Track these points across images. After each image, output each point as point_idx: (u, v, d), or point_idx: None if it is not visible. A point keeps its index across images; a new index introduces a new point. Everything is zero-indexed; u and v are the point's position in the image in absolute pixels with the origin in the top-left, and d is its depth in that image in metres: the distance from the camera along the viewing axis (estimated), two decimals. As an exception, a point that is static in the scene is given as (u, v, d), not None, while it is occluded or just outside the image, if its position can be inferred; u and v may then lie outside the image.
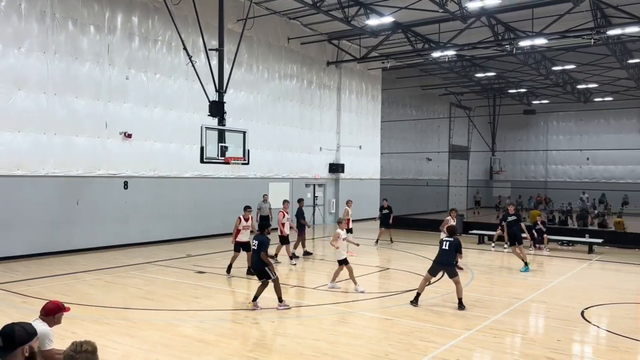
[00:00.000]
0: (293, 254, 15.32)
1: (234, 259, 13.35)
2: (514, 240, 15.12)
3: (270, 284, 10.01)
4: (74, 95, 16.28)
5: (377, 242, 20.04)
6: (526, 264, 14.61)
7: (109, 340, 7.94)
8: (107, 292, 11.28)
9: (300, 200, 17.27)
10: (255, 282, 12.54)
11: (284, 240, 15.08)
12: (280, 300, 10.02)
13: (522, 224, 15.80)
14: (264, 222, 19.71)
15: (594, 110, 41.37)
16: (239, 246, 13.30)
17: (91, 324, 8.82)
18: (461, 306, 10.14)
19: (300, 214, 16.64)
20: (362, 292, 11.51)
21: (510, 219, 15.53)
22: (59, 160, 15.98)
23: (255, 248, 10.12)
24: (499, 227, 17.78)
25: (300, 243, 16.61)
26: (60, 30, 15.90)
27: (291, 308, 10.05)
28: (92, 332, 8.23)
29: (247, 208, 13.79)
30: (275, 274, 10.05)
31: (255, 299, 10.00)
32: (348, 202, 18.34)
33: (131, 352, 7.56)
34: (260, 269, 10.03)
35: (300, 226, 16.55)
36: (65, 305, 5.38)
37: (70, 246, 16.20)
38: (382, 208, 20.60)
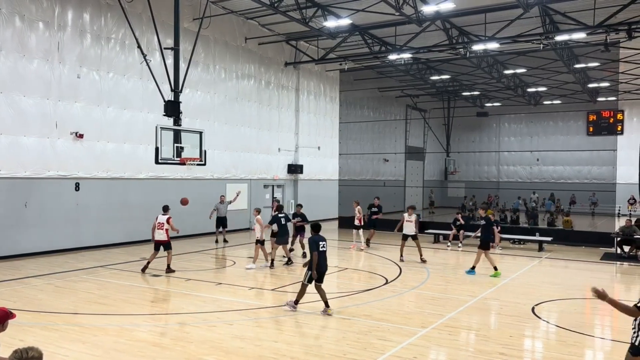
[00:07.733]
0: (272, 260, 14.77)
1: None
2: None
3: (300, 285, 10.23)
4: (22, 94, 15.67)
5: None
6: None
7: (59, 347, 7.68)
8: (58, 297, 10.90)
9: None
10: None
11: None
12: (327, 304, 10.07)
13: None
14: (222, 222, 19.80)
15: (543, 113, 42.82)
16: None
17: (40, 330, 8.51)
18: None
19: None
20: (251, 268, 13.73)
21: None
22: (6, 161, 15.34)
23: (325, 249, 10.17)
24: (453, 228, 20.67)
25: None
26: (6, 26, 15.27)
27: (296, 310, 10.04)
28: (42, 339, 7.94)
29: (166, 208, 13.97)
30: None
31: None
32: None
33: (83, 359, 7.33)
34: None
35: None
36: (12, 311, 5.17)
37: (18, 250, 15.58)
38: (371, 206, 19.75)
